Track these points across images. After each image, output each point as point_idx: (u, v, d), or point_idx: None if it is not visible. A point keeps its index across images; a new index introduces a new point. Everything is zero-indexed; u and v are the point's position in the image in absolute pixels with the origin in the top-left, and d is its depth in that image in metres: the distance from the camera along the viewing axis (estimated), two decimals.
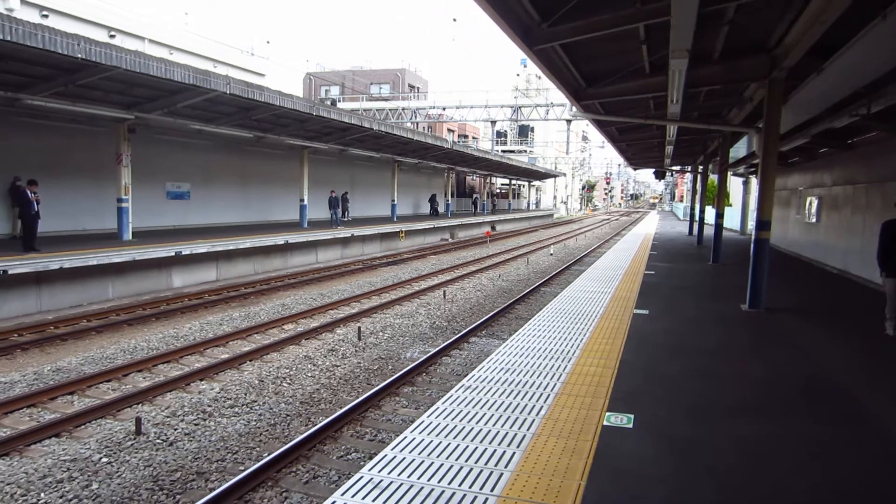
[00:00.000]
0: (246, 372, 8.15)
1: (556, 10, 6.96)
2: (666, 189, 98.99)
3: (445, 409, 4.42)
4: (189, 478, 5.19)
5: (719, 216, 15.69)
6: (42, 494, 4.84)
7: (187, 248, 13.79)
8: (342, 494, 3.16)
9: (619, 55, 9.13)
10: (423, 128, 45.47)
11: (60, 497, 4.80)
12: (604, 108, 12.35)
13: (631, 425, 4.18)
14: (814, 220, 15.89)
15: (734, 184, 32.61)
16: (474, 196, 44.08)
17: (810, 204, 16.27)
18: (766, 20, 7.68)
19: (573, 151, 73.47)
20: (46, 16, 24.76)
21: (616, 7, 6.95)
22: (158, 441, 5.87)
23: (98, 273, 12.08)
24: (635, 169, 51.72)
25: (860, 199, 12.37)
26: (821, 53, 7.60)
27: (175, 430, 6.14)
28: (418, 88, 54.64)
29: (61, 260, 10.95)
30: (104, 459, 5.43)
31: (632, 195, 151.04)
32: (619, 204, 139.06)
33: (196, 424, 6.31)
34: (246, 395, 7.22)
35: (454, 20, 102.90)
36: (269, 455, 5.38)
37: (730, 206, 31.76)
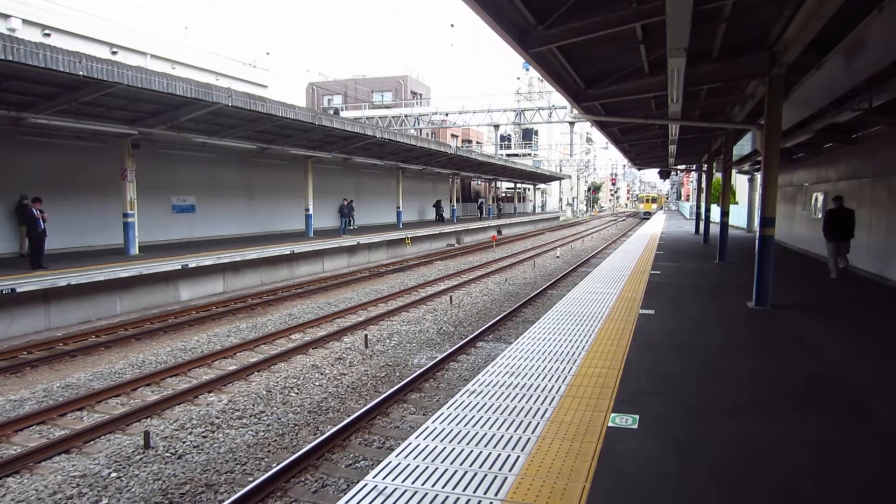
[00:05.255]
0: (254, 383, 8.18)
1: (552, 13, 6.96)
2: (672, 188, 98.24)
3: (450, 414, 4.42)
4: (198, 490, 5.21)
5: (724, 214, 15.62)
6: None
7: (194, 261, 13.87)
8: None
9: (617, 56, 9.12)
10: (427, 134, 45.56)
11: None
12: (604, 109, 12.34)
13: (636, 426, 4.16)
14: (820, 215, 15.77)
15: (740, 181, 32.46)
16: (479, 201, 44.06)
17: (816, 199, 16.17)
18: (763, 17, 7.66)
19: (577, 153, 73.24)
20: (48, 34, 25.06)
21: (612, 8, 6.95)
22: (167, 454, 5.89)
23: (106, 288, 12.15)
24: (640, 169, 51.63)
25: (866, 193, 12.27)
26: (821, 48, 7.54)
27: (184, 442, 6.17)
28: (421, 95, 54.86)
29: (69, 276, 11.04)
30: (113, 474, 5.45)
31: (637, 196, 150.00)
32: (626, 204, 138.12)
33: (204, 437, 6.33)
34: (254, 405, 7.24)
35: (452, 26, 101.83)
36: (277, 465, 5.39)
37: (735, 203, 31.60)
